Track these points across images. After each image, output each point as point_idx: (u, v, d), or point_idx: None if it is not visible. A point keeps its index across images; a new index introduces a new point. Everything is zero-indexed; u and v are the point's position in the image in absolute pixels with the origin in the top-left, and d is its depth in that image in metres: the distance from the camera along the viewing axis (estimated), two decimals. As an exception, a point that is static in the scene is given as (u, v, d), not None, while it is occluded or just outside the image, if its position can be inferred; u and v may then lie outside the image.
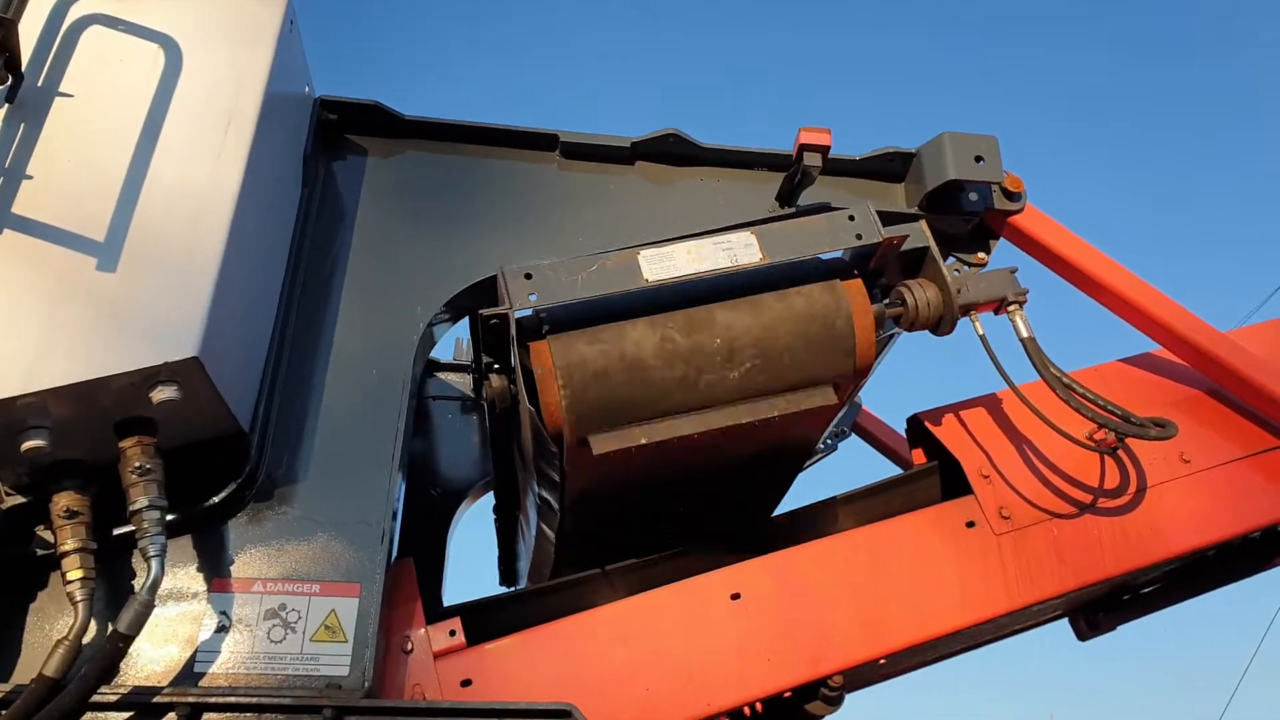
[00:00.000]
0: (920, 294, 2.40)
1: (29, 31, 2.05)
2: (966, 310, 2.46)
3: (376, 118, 2.62)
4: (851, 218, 2.29)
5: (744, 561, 2.48)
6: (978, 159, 2.65)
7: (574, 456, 2.20)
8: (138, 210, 1.92)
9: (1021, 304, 2.49)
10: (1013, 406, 2.76)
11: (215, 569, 2.05)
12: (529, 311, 2.14)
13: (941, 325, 2.43)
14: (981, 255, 2.85)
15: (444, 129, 2.65)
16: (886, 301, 2.43)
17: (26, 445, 1.75)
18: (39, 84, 2.04)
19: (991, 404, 2.80)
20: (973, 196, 2.77)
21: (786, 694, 2.41)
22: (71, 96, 2.04)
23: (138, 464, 1.84)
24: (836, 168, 2.74)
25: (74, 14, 2.14)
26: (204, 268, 1.89)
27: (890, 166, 2.79)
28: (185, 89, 2.11)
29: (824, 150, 2.50)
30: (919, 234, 2.48)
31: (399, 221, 2.52)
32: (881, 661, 2.49)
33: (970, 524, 2.54)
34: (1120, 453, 2.71)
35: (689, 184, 2.71)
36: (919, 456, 2.87)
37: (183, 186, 1.97)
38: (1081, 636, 3.84)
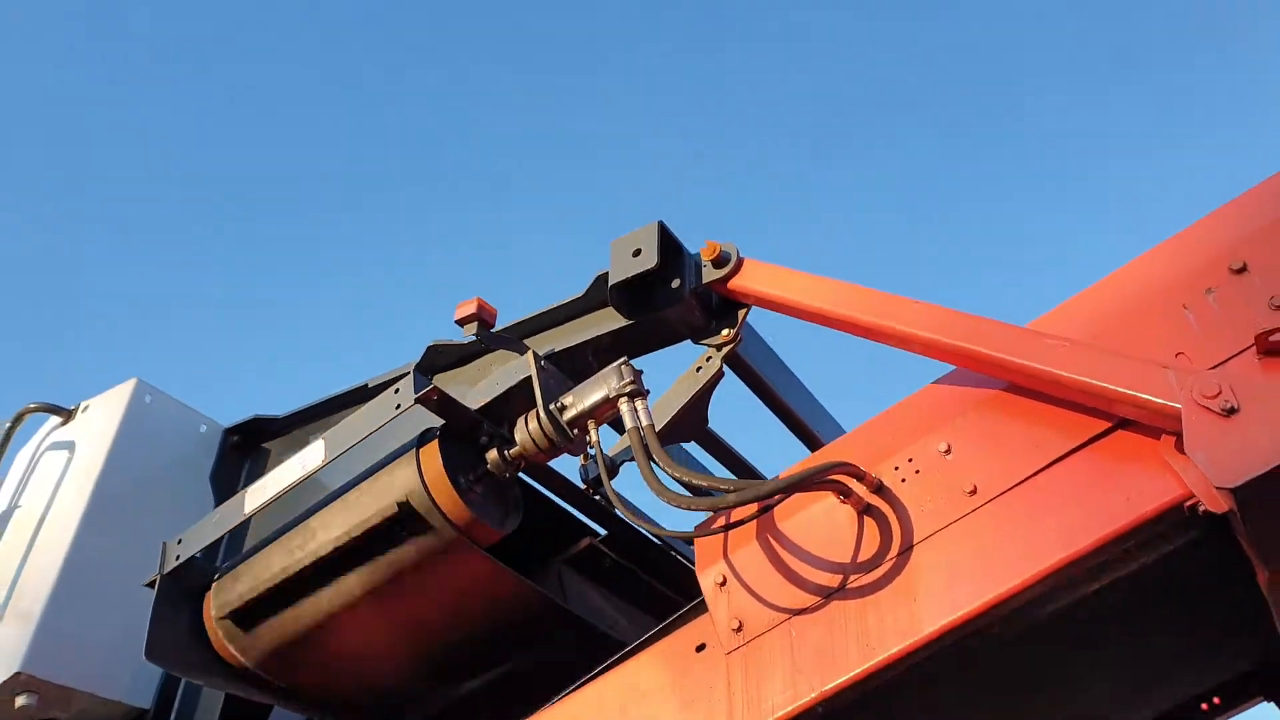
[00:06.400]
0: (527, 427, 2.34)
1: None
2: (581, 424, 2.31)
3: (263, 426, 3.56)
4: (397, 389, 2.32)
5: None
6: (635, 253, 2.48)
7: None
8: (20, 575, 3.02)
9: (634, 394, 2.21)
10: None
11: None
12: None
13: (566, 447, 2.34)
14: (726, 333, 2.59)
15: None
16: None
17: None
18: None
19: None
20: (674, 283, 2.53)
21: None
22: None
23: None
24: (552, 319, 2.72)
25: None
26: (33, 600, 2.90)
27: (600, 292, 2.62)
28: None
29: (472, 320, 2.47)
30: (522, 365, 2.43)
31: None
32: None
33: (700, 647, 2.17)
34: (882, 506, 2.02)
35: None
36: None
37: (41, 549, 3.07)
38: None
